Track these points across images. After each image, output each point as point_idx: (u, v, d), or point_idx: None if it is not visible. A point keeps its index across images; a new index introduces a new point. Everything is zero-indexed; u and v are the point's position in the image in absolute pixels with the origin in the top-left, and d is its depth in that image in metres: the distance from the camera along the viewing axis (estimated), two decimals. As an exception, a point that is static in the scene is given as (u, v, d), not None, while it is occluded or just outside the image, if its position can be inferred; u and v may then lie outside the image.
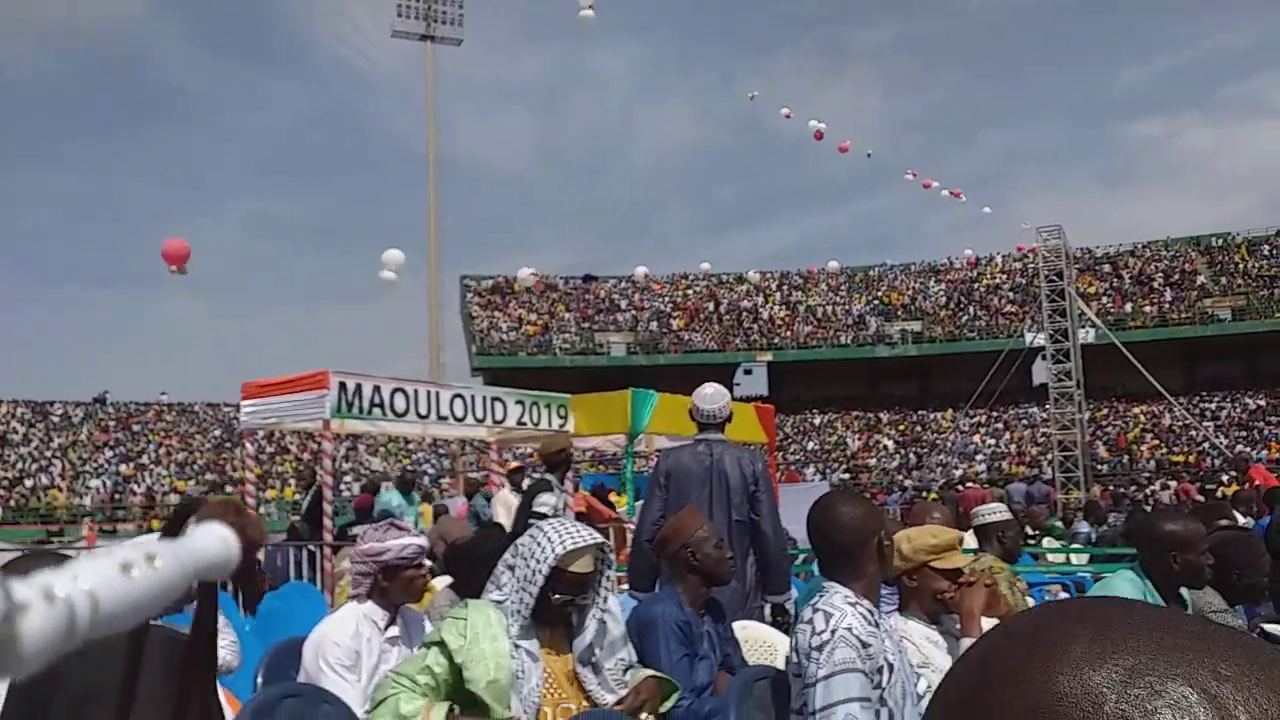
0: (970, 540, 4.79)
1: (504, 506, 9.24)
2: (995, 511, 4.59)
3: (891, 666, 2.24)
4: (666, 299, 47.57)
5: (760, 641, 3.71)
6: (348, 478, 31.61)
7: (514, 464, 10.02)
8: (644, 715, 2.52)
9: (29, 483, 29.48)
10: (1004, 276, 45.11)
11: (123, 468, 35.41)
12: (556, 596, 2.52)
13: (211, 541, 0.68)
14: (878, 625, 2.29)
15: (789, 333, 44.88)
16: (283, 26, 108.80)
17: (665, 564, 3.38)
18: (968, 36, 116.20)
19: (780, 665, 2.92)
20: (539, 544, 2.55)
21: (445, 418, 9.40)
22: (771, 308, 46.69)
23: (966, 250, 46.55)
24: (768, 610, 4.35)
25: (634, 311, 46.87)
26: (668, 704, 2.68)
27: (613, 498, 12.07)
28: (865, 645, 2.19)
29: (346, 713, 2.74)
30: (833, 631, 2.18)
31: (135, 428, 39.65)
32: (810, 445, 41.30)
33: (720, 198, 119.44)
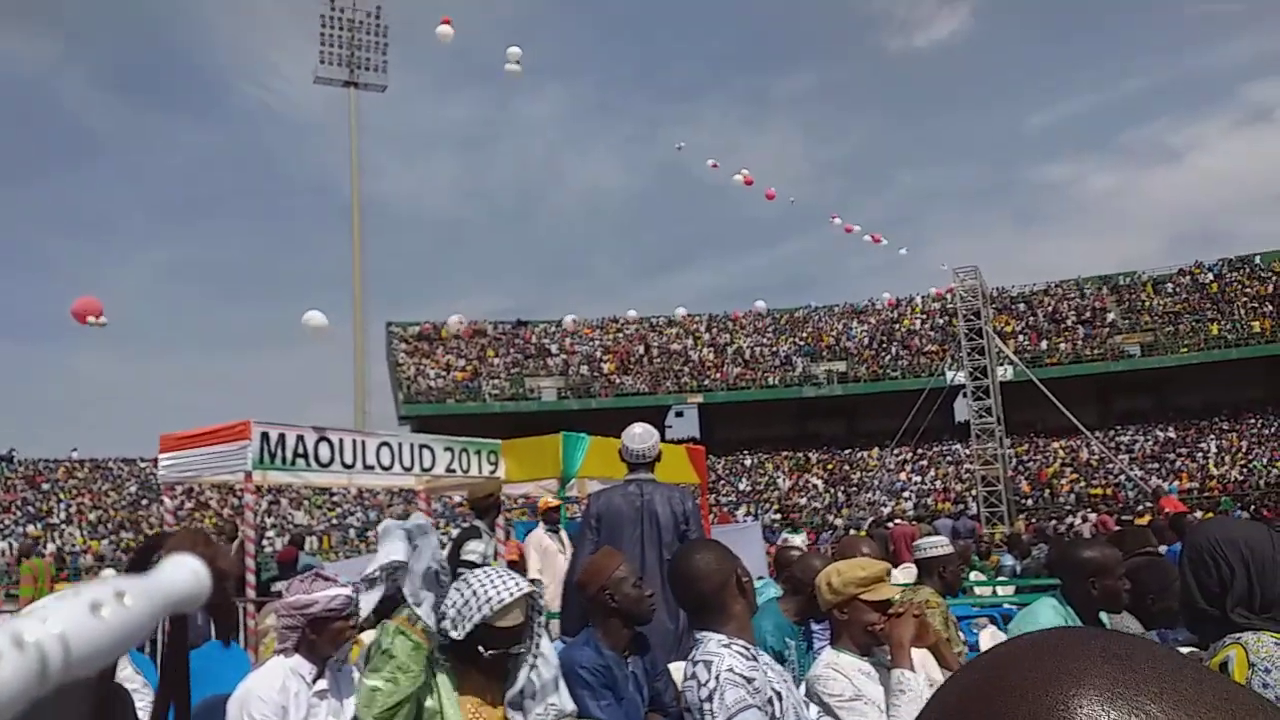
0: (900, 575, 4.86)
1: (536, 548, 9.07)
2: (937, 546, 4.65)
3: (779, 694, 2.27)
4: (597, 343, 47.67)
5: (696, 682, 3.69)
6: (270, 532, 30.68)
7: (552, 500, 9.89)
8: None
9: (-72, 545, 28.03)
10: (923, 316, 46.29)
11: (30, 528, 33.83)
12: (489, 652, 2.49)
13: (181, 574, 0.66)
14: (756, 659, 2.32)
15: (718, 374, 45.30)
16: (202, 71, 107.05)
17: (587, 607, 3.35)
18: (883, 82, 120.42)
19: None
20: (465, 600, 2.51)
21: (371, 466, 9.21)
22: (700, 350, 47.12)
23: (885, 293, 47.78)
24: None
25: (564, 356, 46.84)
26: None
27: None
28: (749, 680, 2.22)
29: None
30: (716, 677, 2.21)
31: (44, 486, 37.98)
32: (742, 486, 41.55)
33: (648, 241, 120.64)
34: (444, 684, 2.50)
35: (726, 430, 45.29)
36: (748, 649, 2.30)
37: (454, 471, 10.16)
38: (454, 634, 2.47)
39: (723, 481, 41.05)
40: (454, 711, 2.45)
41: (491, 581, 2.54)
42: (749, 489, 41.32)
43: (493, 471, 10.35)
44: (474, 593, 2.50)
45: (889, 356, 44.48)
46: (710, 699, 2.18)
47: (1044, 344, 41.77)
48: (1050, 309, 44.25)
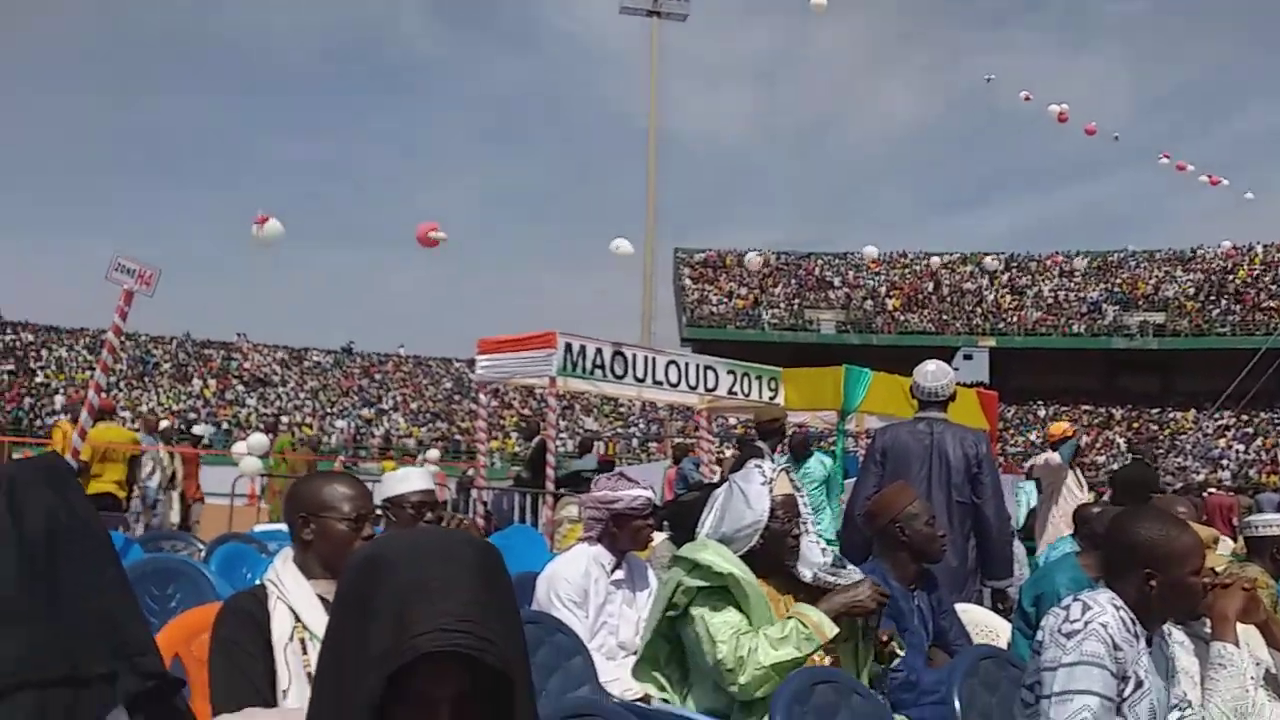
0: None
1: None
2: (1273, 524, 4.14)
3: (1141, 683, 2.14)
4: (883, 277, 46.25)
5: (981, 626, 3.66)
6: (562, 435, 33.08)
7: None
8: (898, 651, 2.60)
9: (285, 419, 32.81)
10: (1264, 269, 40.72)
11: (364, 411, 38.68)
12: (780, 525, 2.61)
13: None
14: (1137, 640, 2.18)
15: (1015, 318, 42.54)
16: (523, 3, 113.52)
17: (875, 539, 3.39)
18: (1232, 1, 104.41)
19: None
20: (750, 483, 2.64)
21: (660, 382, 9.70)
22: (997, 291, 44.40)
23: (1224, 240, 42.32)
24: (987, 595, 4.27)
25: (847, 289, 45.91)
26: (895, 660, 2.73)
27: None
28: (1117, 648, 2.10)
29: (577, 642, 2.97)
30: (1086, 623, 2.10)
31: (376, 376, 43.15)
32: (1033, 437, 39.14)
33: (946, 176, 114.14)
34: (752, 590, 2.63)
35: (1020, 378, 42.61)
36: (1134, 624, 2.17)
37: (735, 394, 10.45)
38: (743, 543, 2.62)
39: (1012, 431, 38.90)
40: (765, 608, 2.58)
41: (749, 493, 2.66)
42: (1041, 442, 38.87)
43: (772, 398, 10.52)
44: (753, 474, 2.65)
45: (1217, 310, 39.67)
46: (1070, 636, 2.11)
47: None
48: None
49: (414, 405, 40.54)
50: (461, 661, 0.97)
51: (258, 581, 2.23)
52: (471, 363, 10.80)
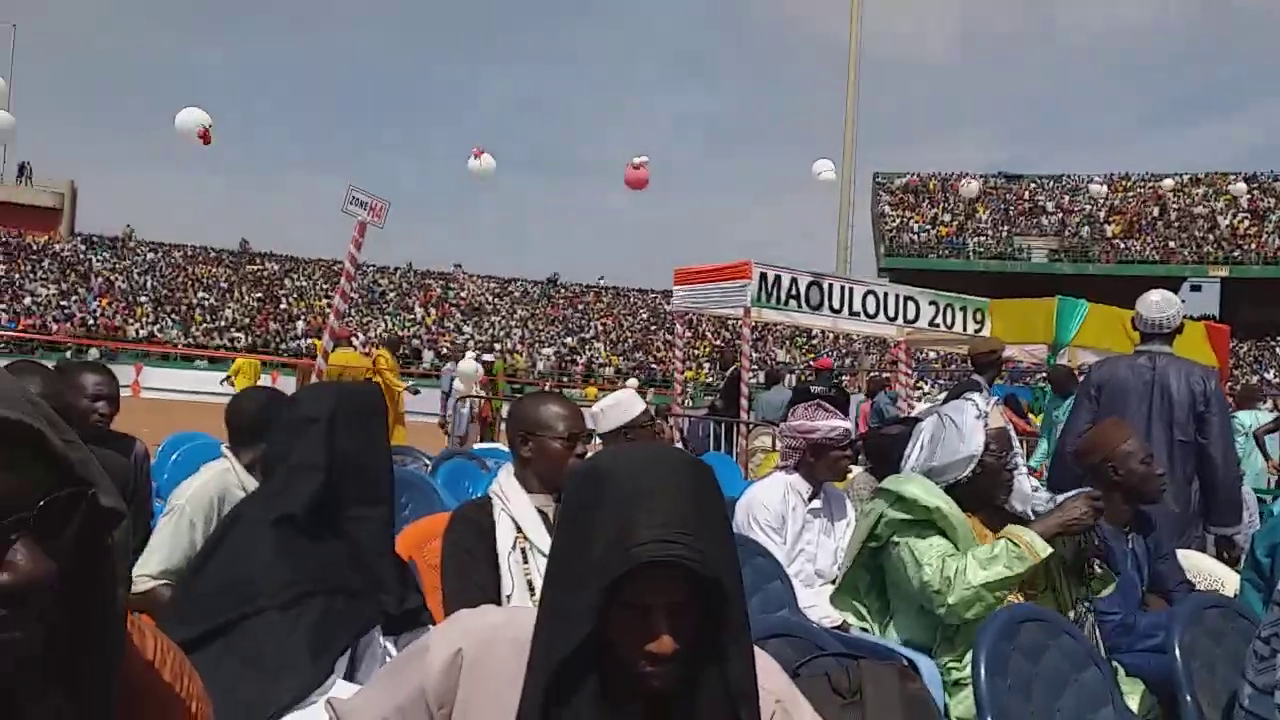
0: None
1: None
2: None
3: None
4: (1102, 202, 42.86)
5: (1205, 573, 3.44)
6: (753, 366, 33.08)
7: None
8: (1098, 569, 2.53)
9: (498, 346, 34.65)
10: None
11: (568, 340, 40.15)
12: (994, 459, 2.55)
13: None
14: None
15: (1254, 245, 38.50)
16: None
17: (1086, 477, 3.24)
18: None
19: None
20: (963, 416, 2.59)
21: (857, 313, 9.51)
22: (1234, 216, 40.23)
23: None
24: (1210, 541, 4.00)
25: (1061, 214, 42.92)
26: (1105, 590, 2.64)
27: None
28: None
29: (776, 566, 3.04)
30: None
31: (579, 306, 44.60)
32: (1270, 375, 35.61)
33: (1173, 87, 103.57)
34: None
35: (1257, 311, 38.69)
36: None
37: (936, 326, 10.10)
38: (953, 477, 2.57)
39: (1245, 369, 35.53)
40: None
41: (963, 425, 2.59)
42: (1278, 381, 35.32)
43: (977, 330, 10.10)
44: (968, 406, 2.60)
45: None
46: None
47: None
48: None
49: (613, 335, 41.67)
50: (678, 571, 1.04)
51: (481, 494, 2.43)
52: (668, 293, 10.95)
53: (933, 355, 20.89)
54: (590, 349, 39.59)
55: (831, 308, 9.30)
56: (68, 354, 26.20)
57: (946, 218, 43.91)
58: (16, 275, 34.55)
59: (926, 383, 27.96)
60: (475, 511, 2.27)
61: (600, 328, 42.27)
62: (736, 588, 1.11)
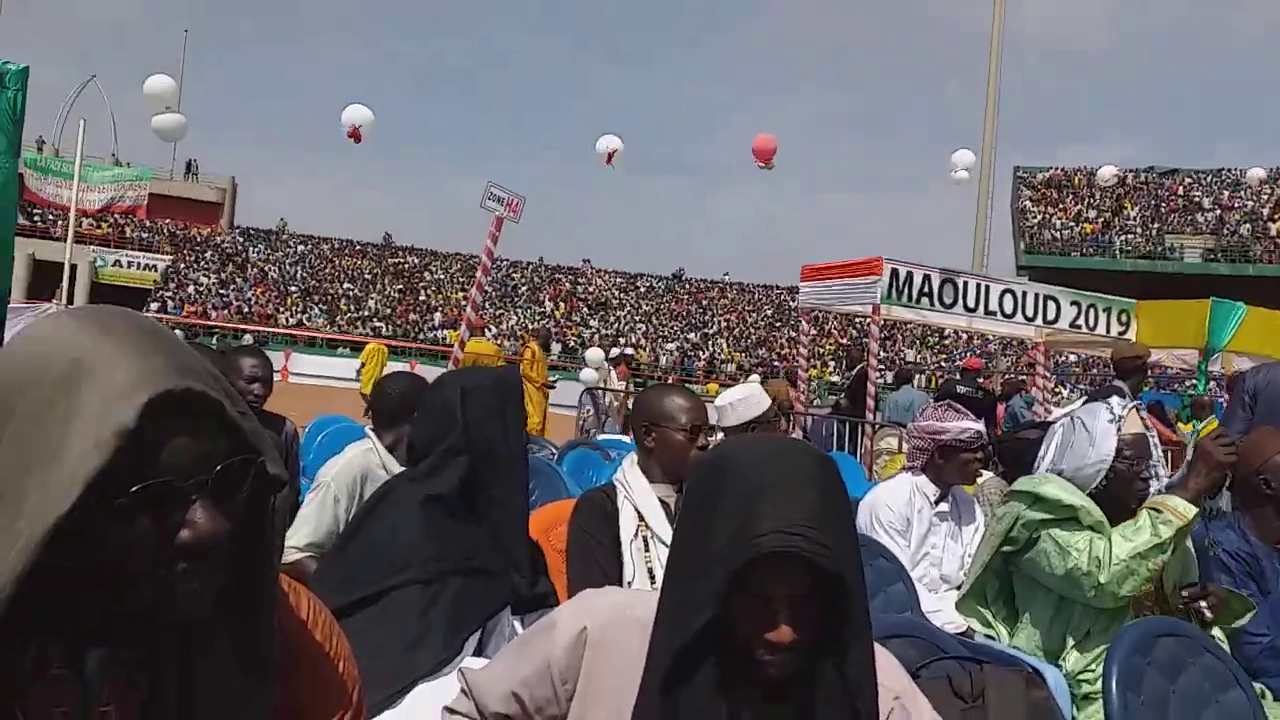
0: None
1: None
2: None
3: None
4: (1267, 197, 39.99)
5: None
6: (879, 366, 32.39)
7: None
8: (1206, 613, 2.39)
9: (622, 340, 35.07)
10: None
11: (691, 336, 40.24)
12: (1126, 466, 2.45)
13: None
14: None
15: None
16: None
17: (1235, 490, 3.05)
18: None
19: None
20: (1096, 420, 2.49)
21: (993, 313, 9.21)
22: None
23: None
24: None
25: (1219, 211, 40.27)
26: (1240, 621, 2.50)
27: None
28: None
29: (899, 568, 2.99)
30: None
31: (703, 302, 44.62)
32: None
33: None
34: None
35: None
36: None
37: (1078, 327, 9.69)
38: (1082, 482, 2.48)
39: None
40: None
41: (1094, 429, 2.50)
42: None
43: (1122, 333, 9.64)
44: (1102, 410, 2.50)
45: None
46: None
47: None
48: None
49: (737, 331, 41.51)
50: (800, 563, 1.06)
51: (605, 483, 2.50)
52: (794, 290, 10.87)
53: (1073, 358, 20.02)
54: (713, 345, 39.55)
55: (966, 306, 9.03)
56: (225, 339, 27.91)
57: (1091, 214, 41.85)
58: (182, 265, 37.02)
59: (1066, 387, 26.77)
60: (600, 498, 2.33)
61: (724, 324, 42.16)
62: (858, 583, 1.11)
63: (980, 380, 12.20)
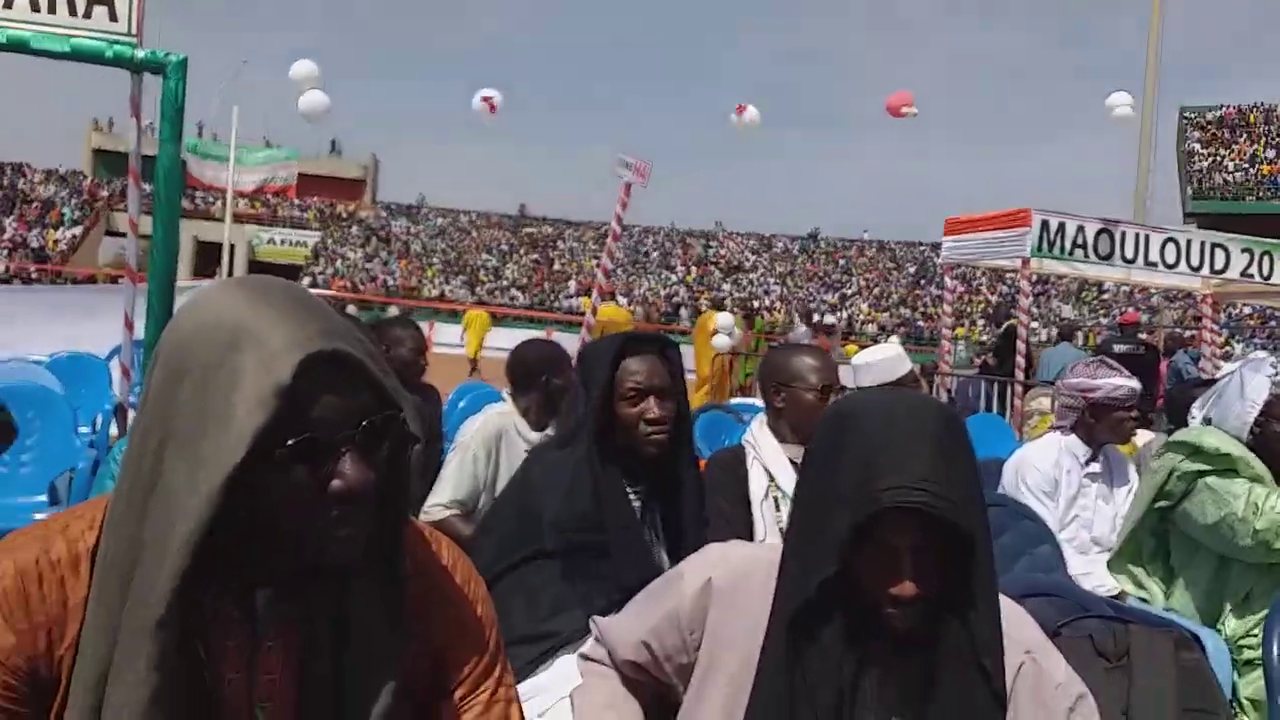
0: None
1: None
2: None
3: None
4: None
5: None
6: (1035, 324, 30.99)
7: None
8: None
9: (755, 304, 34.81)
10: None
11: (828, 297, 39.53)
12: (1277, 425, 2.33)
13: None
14: None
15: None
16: None
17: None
18: None
19: None
20: (1255, 373, 2.34)
21: (1154, 264, 8.68)
22: None
23: None
24: None
25: None
26: None
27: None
28: None
29: (1045, 530, 2.89)
30: None
31: (840, 262, 43.71)
32: None
33: None
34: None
35: None
36: None
37: (1250, 277, 9.05)
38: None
39: None
40: None
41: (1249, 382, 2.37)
42: None
43: (1302, 280, 8.92)
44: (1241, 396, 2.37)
45: None
46: None
47: None
48: None
49: (876, 290, 40.51)
50: (922, 517, 1.06)
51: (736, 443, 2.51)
52: (937, 246, 10.51)
53: (1248, 310, 18.61)
54: (851, 305, 38.73)
55: (1124, 258, 8.54)
56: (374, 311, 29.26)
57: (1270, 154, 38.57)
58: (330, 241, 38.90)
59: (1241, 342, 24.95)
60: (729, 459, 2.35)
61: (863, 283, 41.17)
62: (983, 538, 1.10)
63: (1142, 336, 11.54)
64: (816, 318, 16.51)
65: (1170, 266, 8.72)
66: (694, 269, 41.08)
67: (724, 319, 12.48)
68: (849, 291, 40.43)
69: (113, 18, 3.47)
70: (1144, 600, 2.53)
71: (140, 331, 3.53)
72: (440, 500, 2.87)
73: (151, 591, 0.82)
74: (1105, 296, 36.21)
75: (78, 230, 34.91)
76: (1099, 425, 3.14)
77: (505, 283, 38.05)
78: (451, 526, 2.76)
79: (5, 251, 31.52)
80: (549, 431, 2.65)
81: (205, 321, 0.87)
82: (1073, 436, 3.19)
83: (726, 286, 39.40)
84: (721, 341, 12.20)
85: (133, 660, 0.83)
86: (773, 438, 2.35)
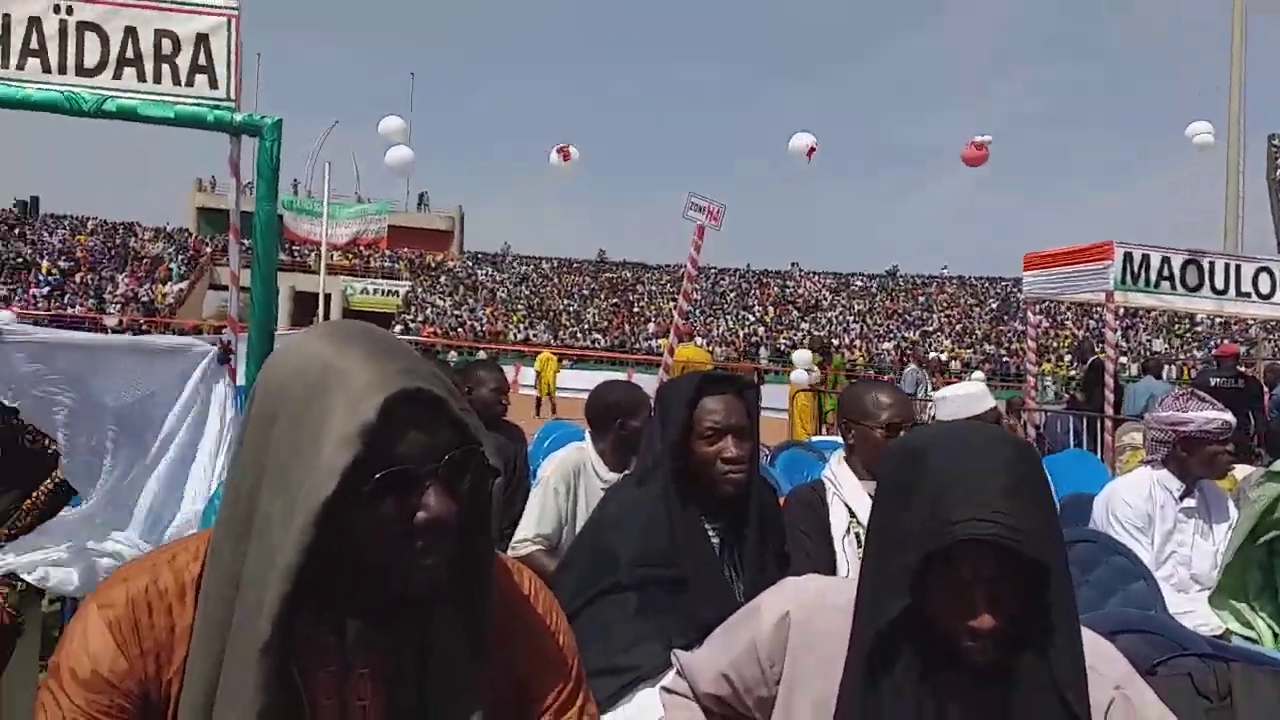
0: None
1: None
2: None
3: None
4: None
5: None
6: (1124, 358, 29.95)
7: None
8: None
9: (835, 342, 34.42)
10: None
11: (908, 334, 38.91)
12: None
13: None
14: None
15: None
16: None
17: None
18: None
19: None
20: None
21: (1247, 294, 8.39)
22: None
23: None
24: None
25: None
26: None
27: None
28: None
29: (1139, 566, 2.78)
30: None
31: (920, 298, 43.06)
32: None
33: None
34: None
35: None
36: None
37: (1351, 305, 8.62)
38: None
39: None
40: None
41: None
42: None
43: None
44: None
45: None
46: None
47: None
48: None
49: (958, 326, 39.73)
50: (996, 549, 1.05)
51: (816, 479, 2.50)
52: (1019, 281, 10.33)
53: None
54: (932, 342, 38.02)
55: (1214, 289, 8.26)
56: (463, 355, 29.80)
57: (1374, 176, 36.88)
58: (420, 290, 39.91)
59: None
60: (809, 494, 2.35)
61: (944, 320, 40.43)
62: (1060, 569, 1.09)
63: (1242, 369, 11.08)
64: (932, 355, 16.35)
65: (1264, 296, 8.41)
66: (771, 309, 40.93)
67: (801, 356, 12.41)
68: (930, 328, 39.73)
69: (213, 84, 3.66)
70: (1251, 640, 2.43)
71: (241, 377, 3.69)
72: (525, 535, 2.91)
73: (255, 619, 0.87)
74: (1199, 329, 34.88)
75: (184, 285, 36.51)
76: (1191, 459, 3.04)
77: (586, 326, 38.45)
78: (536, 561, 2.79)
79: (118, 305, 33.09)
80: (626, 472, 2.67)
81: (295, 365, 0.92)
82: (1164, 470, 3.09)
83: (804, 325, 39.12)
84: (800, 377, 12.12)
85: (240, 684, 0.87)
86: (851, 474, 2.34)
